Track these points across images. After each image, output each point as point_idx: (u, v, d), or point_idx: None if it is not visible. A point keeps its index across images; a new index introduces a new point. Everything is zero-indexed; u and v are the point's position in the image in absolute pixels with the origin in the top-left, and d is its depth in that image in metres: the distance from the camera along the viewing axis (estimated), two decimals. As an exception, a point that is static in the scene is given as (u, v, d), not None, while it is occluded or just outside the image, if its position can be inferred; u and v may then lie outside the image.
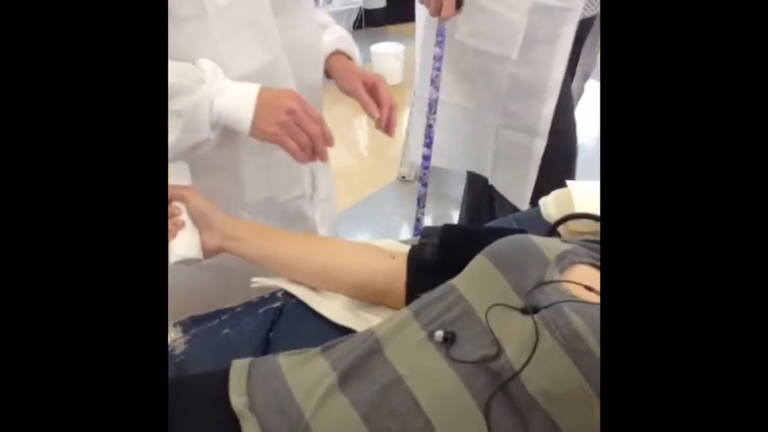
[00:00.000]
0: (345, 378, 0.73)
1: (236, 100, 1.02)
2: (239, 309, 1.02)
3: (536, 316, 0.69)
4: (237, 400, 0.76)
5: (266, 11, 1.07)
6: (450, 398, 0.69)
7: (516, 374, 0.66)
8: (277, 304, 1.02)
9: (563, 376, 0.65)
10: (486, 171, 1.98)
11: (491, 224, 1.20)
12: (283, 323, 0.99)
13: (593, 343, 0.65)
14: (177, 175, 1.06)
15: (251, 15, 1.05)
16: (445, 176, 2.96)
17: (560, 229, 1.08)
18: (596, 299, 0.72)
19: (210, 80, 1.01)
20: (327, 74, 1.26)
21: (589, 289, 0.73)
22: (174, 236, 0.99)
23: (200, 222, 1.01)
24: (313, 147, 1.05)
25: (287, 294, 1.03)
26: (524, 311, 0.71)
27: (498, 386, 0.67)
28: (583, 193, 1.13)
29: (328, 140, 1.06)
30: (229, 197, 1.17)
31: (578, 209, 1.09)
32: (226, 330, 0.98)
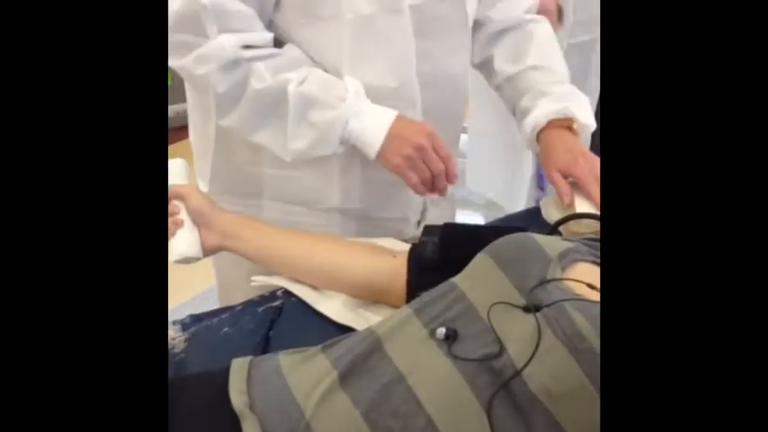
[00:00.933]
0: (346, 376, 0.73)
1: (370, 125, 1.04)
2: (239, 307, 1.02)
3: (538, 314, 0.69)
4: (237, 399, 0.76)
5: (406, 33, 1.07)
6: (451, 396, 0.69)
7: (518, 373, 0.66)
8: (277, 303, 1.01)
9: (565, 374, 0.65)
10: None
11: (492, 223, 1.20)
12: (283, 322, 0.99)
13: (596, 341, 0.64)
14: (176, 174, 1.05)
15: (388, 33, 1.06)
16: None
17: (561, 229, 1.07)
18: (599, 296, 0.71)
19: (351, 101, 1.03)
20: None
21: (591, 287, 0.73)
22: (174, 234, 0.99)
23: (199, 221, 1.01)
24: (434, 182, 1.06)
25: (287, 293, 1.02)
26: (526, 309, 0.70)
27: (500, 385, 0.67)
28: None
29: (450, 178, 1.06)
30: (322, 196, 1.17)
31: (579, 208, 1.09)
32: (225, 329, 0.98)
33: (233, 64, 1.01)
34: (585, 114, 1.15)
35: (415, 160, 1.04)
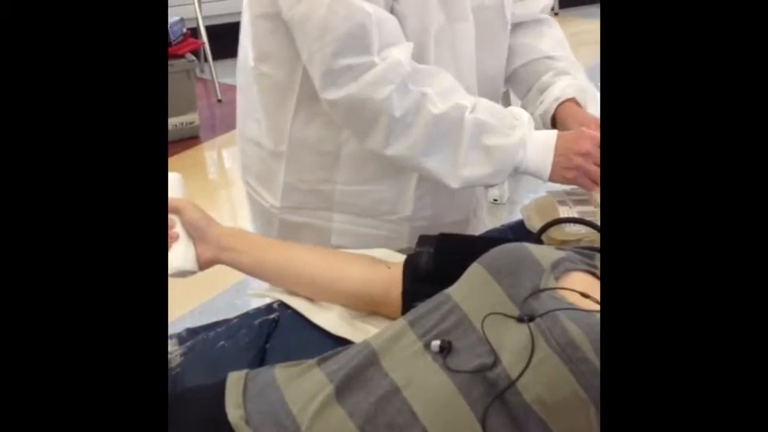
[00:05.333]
0: (342, 390, 0.73)
1: (538, 150, 1.05)
2: (235, 320, 1.02)
3: (532, 324, 0.69)
4: (234, 412, 0.76)
5: (470, 39, 1.11)
6: (446, 407, 0.69)
7: (513, 383, 0.66)
8: (273, 315, 1.01)
9: (559, 384, 0.65)
10: None
11: (486, 233, 1.20)
12: (280, 334, 0.99)
13: (589, 350, 0.65)
14: (171, 188, 1.05)
15: (455, 40, 1.10)
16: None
17: (543, 237, 1.08)
18: (592, 306, 0.71)
19: (523, 129, 1.05)
20: (553, 122, 1.20)
21: (585, 296, 0.73)
22: (169, 248, 0.99)
23: (195, 234, 1.01)
24: None
25: (283, 305, 1.02)
26: (520, 320, 0.71)
27: (495, 395, 0.67)
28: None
29: None
30: (394, 208, 1.19)
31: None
32: (222, 342, 0.98)
33: (406, 84, 1.00)
34: (595, 110, 1.19)
35: (585, 167, 1.05)
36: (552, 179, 1.07)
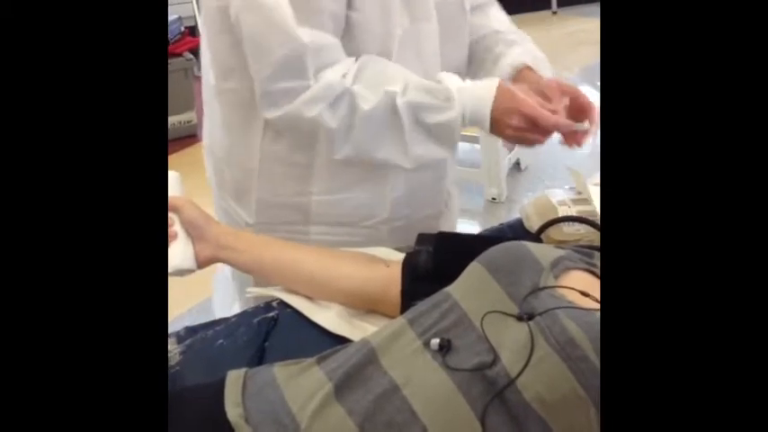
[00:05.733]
0: (341, 388, 0.73)
1: (475, 108, 1.04)
2: (234, 319, 1.02)
3: (531, 322, 0.69)
4: (233, 411, 0.76)
5: (434, 38, 1.12)
6: (446, 406, 0.69)
7: (512, 382, 0.66)
8: (272, 314, 1.01)
9: (558, 382, 0.65)
10: None
11: (485, 232, 1.20)
12: (278, 333, 0.99)
13: (589, 349, 0.65)
14: (170, 187, 1.05)
15: (420, 40, 1.10)
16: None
17: (542, 237, 1.08)
18: (592, 304, 0.72)
19: (458, 98, 1.04)
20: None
21: (584, 294, 0.73)
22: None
23: (193, 233, 1.01)
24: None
25: (282, 304, 1.02)
26: (519, 318, 0.71)
27: (494, 394, 0.67)
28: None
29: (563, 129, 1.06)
30: (371, 212, 1.19)
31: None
32: (220, 341, 0.98)
33: (339, 98, 1.02)
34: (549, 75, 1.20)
35: (521, 136, 1.05)
36: (493, 132, 1.07)
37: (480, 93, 1.05)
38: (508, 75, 1.18)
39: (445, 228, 1.28)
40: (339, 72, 1.02)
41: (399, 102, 1.03)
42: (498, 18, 1.29)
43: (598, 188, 1.17)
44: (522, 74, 1.18)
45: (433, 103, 1.04)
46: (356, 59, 1.05)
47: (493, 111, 1.04)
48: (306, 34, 0.98)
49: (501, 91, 1.04)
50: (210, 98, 1.20)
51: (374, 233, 1.19)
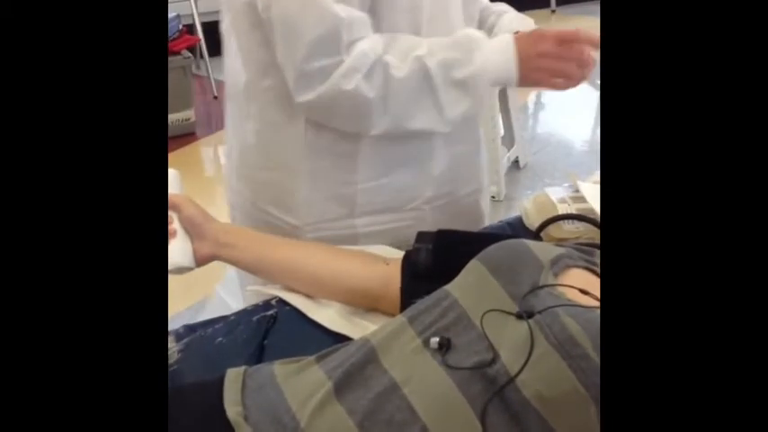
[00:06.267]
0: (341, 387, 0.73)
1: (499, 61, 1.06)
2: (233, 317, 1.02)
3: (531, 321, 0.69)
4: (232, 409, 0.76)
5: (458, 11, 1.14)
6: (446, 404, 0.69)
7: (512, 380, 0.66)
8: (271, 312, 1.01)
9: (558, 380, 0.65)
10: None
11: (484, 230, 1.20)
12: (278, 331, 0.99)
13: (589, 347, 0.65)
14: (168, 184, 1.05)
15: (447, 9, 1.12)
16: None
17: (542, 235, 1.08)
18: (591, 302, 0.71)
19: (481, 50, 1.05)
20: None
21: (584, 292, 0.73)
22: (167, 244, 0.99)
23: (192, 230, 1.00)
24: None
25: (281, 302, 1.02)
26: (519, 316, 0.71)
27: (494, 392, 0.67)
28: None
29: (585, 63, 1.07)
30: (416, 193, 1.20)
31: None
32: (220, 339, 0.97)
33: (372, 68, 1.02)
34: None
35: (551, 66, 1.07)
36: (521, 84, 1.09)
37: (499, 43, 1.07)
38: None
39: (484, 205, 1.32)
40: (370, 42, 1.03)
41: (429, 63, 1.04)
42: None
43: (593, 186, 1.17)
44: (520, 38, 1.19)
45: (459, 56, 1.05)
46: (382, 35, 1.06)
47: (518, 51, 1.05)
48: (341, 10, 0.99)
49: (518, 35, 1.07)
50: (241, 102, 1.18)
51: (418, 215, 1.21)
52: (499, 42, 1.07)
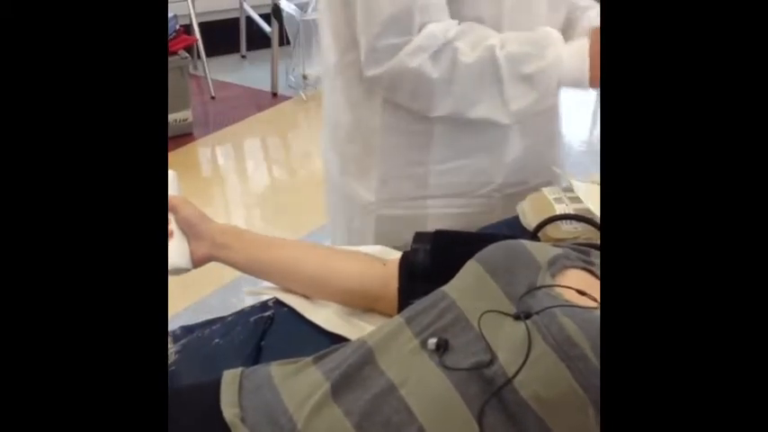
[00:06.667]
0: (338, 388, 0.73)
1: (573, 63, 1.07)
2: (230, 318, 1.02)
3: (528, 321, 0.69)
4: (229, 411, 0.75)
5: (543, 5, 1.15)
6: (443, 405, 0.69)
7: (509, 381, 0.66)
8: (268, 313, 1.01)
9: (556, 381, 0.65)
10: None
11: (482, 230, 1.20)
12: (275, 332, 0.99)
13: (587, 348, 0.64)
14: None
15: (529, 6, 1.14)
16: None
17: (539, 235, 1.08)
18: (589, 303, 0.71)
19: (555, 47, 1.07)
20: None
21: (581, 293, 0.73)
22: (164, 246, 0.99)
23: (189, 231, 1.00)
24: None
25: (278, 302, 1.02)
26: (517, 317, 0.70)
27: (492, 393, 0.67)
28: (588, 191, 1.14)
29: None
30: (487, 179, 1.22)
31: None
32: (217, 340, 0.97)
33: (440, 50, 1.05)
34: None
35: None
36: (594, 85, 1.10)
37: (574, 44, 1.09)
38: (585, 34, 1.22)
39: None
40: (442, 26, 1.05)
41: (499, 54, 1.06)
42: None
43: (588, 185, 1.17)
44: (596, 32, 1.21)
45: (531, 51, 1.07)
46: (459, 23, 1.08)
47: (592, 52, 1.07)
48: None
49: (596, 33, 1.08)
50: (332, 78, 1.24)
51: (488, 202, 1.24)
52: (575, 44, 1.09)
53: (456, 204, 1.23)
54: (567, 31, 1.27)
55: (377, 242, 1.26)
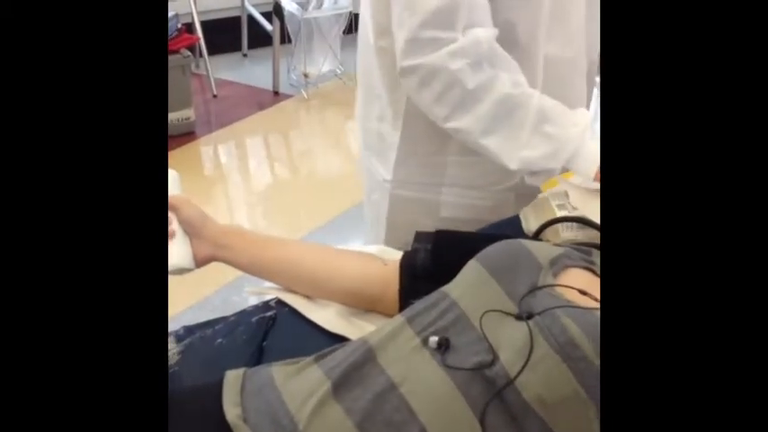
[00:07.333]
0: (339, 387, 0.73)
1: (589, 159, 1.08)
2: (232, 318, 1.02)
3: (530, 322, 0.69)
4: (231, 411, 0.76)
5: (580, 14, 1.16)
6: (445, 405, 0.69)
7: (511, 382, 0.66)
8: (270, 313, 1.01)
9: (558, 383, 0.65)
10: None
11: (484, 230, 1.20)
12: (277, 332, 0.98)
13: (589, 349, 0.64)
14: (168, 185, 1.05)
15: (571, 5, 1.14)
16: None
17: (541, 237, 1.07)
18: (591, 303, 0.71)
19: (581, 128, 1.08)
20: None
21: (583, 293, 0.73)
22: (166, 246, 0.99)
23: (190, 232, 1.00)
24: None
25: (280, 303, 1.02)
26: (519, 317, 0.70)
27: (494, 394, 0.67)
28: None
29: None
30: (503, 177, 1.23)
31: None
32: (219, 340, 0.97)
33: (481, 62, 1.05)
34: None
35: None
36: (594, 177, 1.10)
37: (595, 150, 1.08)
38: None
39: None
40: (488, 34, 1.05)
41: (534, 102, 1.06)
42: None
43: (583, 191, 1.16)
44: None
45: (560, 117, 1.07)
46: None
47: None
48: None
49: None
50: (368, 57, 1.24)
51: (502, 197, 1.24)
52: (594, 148, 1.08)
53: (470, 195, 1.25)
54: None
55: (389, 220, 1.29)
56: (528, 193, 1.23)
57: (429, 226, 1.12)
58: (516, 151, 1.08)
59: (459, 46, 1.03)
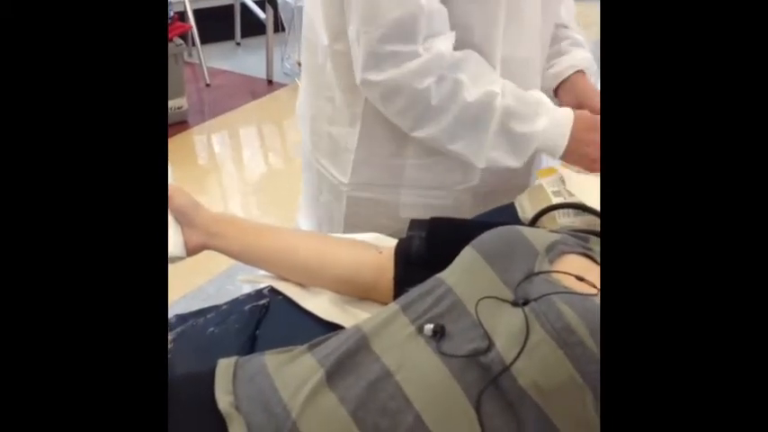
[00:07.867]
0: (333, 375, 0.72)
1: (554, 134, 1.09)
2: (225, 306, 1.01)
3: (526, 308, 0.68)
4: (224, 399, 0.75)
5: (536, 6, 1.14)
6: (440, 392, 0.68)
7: (507, 368, 0.66)
8: (263, 301, 1.00)
9: (554, 369, 0.64)
10: None
11: (478, 216, 1.20)
12: (270, 320, 0.98)
13: (585, 335, 0.64)
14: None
15: (526, 6, 1.12)
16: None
17: (536, 225, 1.07)
18: (587, 289, 0.71)
19: (546, 117, 1.08)
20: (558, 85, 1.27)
21: (580, 279, 0.72)
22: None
23: (182, 220, 0.99)
24: None
25: (273, 291, 1.01)
26: (514, 304, 0.70)
27: (489, 380, 0.66)
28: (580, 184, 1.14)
29: None
30: (462, 178, 1.22)
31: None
32: (212, 328, 0.97)
33: (444, 76, 1.04)
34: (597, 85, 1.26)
35: (592, 155, 1.09)
36: (565, 159, 1.12)
37: (560, 116, 1.10)
38: (565, 71, 1.25)
39: None
40: (448, 43, 1.03)
41: (498, 104, 1.06)
42: (568, 7, 1.32)
43: (580, 177, 1.16)
44: (575, 76, 1.26)
45: (524, 112, 1.07)
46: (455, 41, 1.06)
47: (573, 131, 1.08)
48: None
49: (579, 115, 1.10)
50: (316, 58, 1.21)
51: (460, 196, 1.23)
52: (561, 115, 1.09)
53: (429, 195, 1.23)
54: (552, 57, 1.28)
55: (346, 222, 1.27)
56: (487, 190, 1.24)
57: (389, 226, 1.13)
58: (483, 152, 1.09)
59: (422, 63, 1.02)
